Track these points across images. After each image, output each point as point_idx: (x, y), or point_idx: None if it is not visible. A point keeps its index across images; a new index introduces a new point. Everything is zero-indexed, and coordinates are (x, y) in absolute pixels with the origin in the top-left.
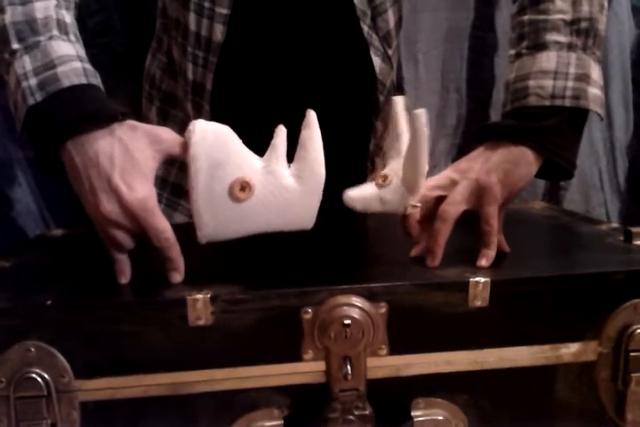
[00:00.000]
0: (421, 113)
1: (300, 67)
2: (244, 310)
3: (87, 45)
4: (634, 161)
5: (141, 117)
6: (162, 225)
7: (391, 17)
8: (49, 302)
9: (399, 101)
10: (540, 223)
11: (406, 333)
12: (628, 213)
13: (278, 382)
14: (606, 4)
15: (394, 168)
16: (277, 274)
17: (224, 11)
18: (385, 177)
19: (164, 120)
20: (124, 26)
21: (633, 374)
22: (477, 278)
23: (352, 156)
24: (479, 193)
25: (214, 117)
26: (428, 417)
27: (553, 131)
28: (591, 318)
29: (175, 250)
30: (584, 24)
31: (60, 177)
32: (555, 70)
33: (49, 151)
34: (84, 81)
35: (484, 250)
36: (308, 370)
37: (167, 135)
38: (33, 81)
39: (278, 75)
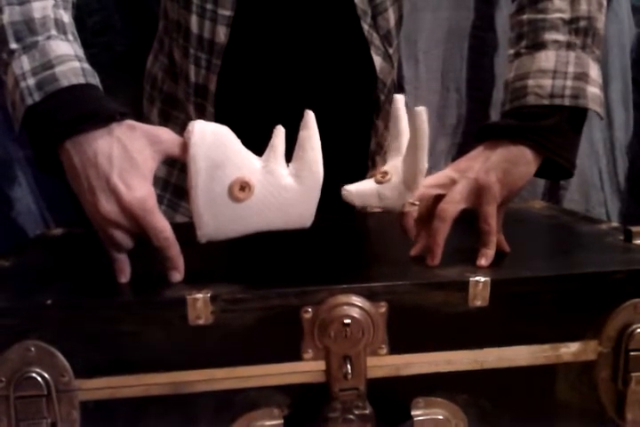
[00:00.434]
0: (422, 110)
1: (302, 66)
2: (244, 309)
3: (86, 45)
4: (634, 161)
5: (142, 118)
6: (161, 224)
7: (392, 16)
8: (49, 302)
9: (401, 100)
10: (540, 223)
11: (406, 332)
12: (628, 213)
13: (278, 382)
14: (605, 2)
15: (394, 165)
16: (277, 273)
17: (227, 13)
18: (385, 173)
19: (165, 121)
20: (124, 25)
21: (633, 374)
22: (477, 278)
23: (353, 154)
24: (478, 192)
25: (218, 119)
26: (428, 417)
27: (552, 130)
28: (591, 317)
29: (175, 249)
30: (583, 23)
31: (58, 176)
32: (554, 69)
33: (47, 151)
34: (82, 81)
35: (484, 249)
36: (307, 369)
37: (166, 136)
38: (31, 81)
39: (280, 75)
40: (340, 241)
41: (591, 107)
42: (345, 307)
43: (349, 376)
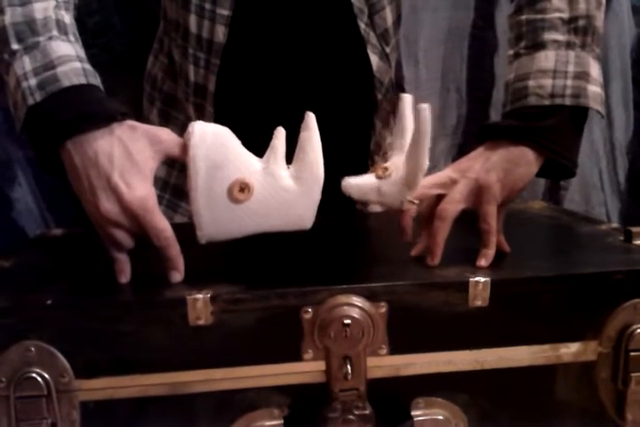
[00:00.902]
0: (425, 107)
1: (299, 65)
2: (244, 309)
3: (87, 45)
4: (634, 161)
5: (142, 118)
6: (161, 224)
7: (389, 15)
8: (49, 302)
9: (408, 98)
10: (540, 223)
11: (406, 332)
12: (628, 213)
13: (278, 382)
14: (604, 0)
15: (395, 162)
16: (277, 274)
17: (225, 12)
18: (385, 169)
19: (165, 121)
20: (123, 26)
21: (633, 374)
22: (477, 278)
23: (352, 154)
24: (478, 192)
25: (217, 118)
26: (428, 417)
27: (553, 130)
28: (591, 317)
29: (175, 249)
30: (581, 22)
31: (59, 176)
32: (554, 69)
33: (49, 151)
34: (83, 81)
35: (484, 250)
36: (307, 370)
37: (167, 136)
38: (33, 81)
39: (278, 74)
40: (340, 241)
41: (592, 106)
42: (345, 307)
43: (349, 377)
